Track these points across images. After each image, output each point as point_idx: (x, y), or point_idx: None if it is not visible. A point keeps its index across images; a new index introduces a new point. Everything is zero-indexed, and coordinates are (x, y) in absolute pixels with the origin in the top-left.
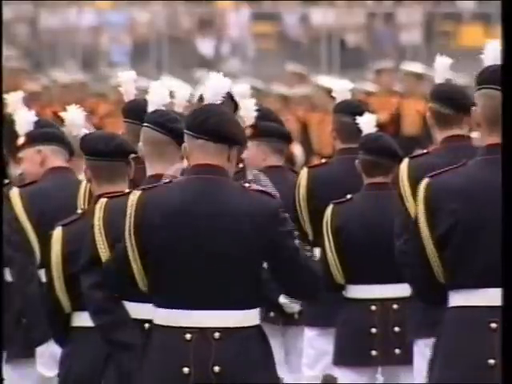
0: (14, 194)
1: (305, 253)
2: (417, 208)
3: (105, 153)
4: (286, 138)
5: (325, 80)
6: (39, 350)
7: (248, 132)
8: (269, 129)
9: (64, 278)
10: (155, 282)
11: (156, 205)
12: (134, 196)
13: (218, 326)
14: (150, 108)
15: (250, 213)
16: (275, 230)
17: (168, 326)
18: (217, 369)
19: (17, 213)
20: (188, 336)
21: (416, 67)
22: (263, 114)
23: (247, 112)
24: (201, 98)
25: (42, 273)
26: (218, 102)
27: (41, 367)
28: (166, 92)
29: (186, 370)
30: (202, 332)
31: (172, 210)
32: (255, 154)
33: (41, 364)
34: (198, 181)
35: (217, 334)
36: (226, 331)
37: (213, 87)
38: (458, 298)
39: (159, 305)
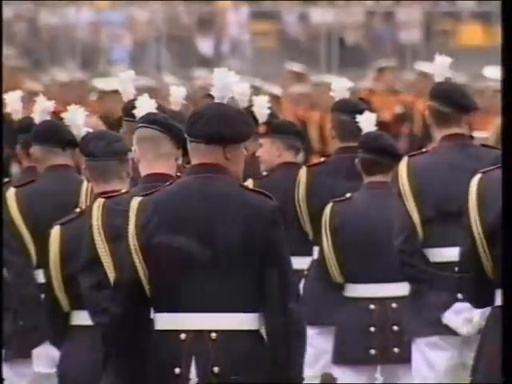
0: (10, 194)
1: (291, 271)
2: (468, 203)
3: (95, 153)
4: (301, 135)
5: (326, 78)
6: (36, 351)
7: (262, 129)
8: (283, 126)
9: (62, 276)
10: (154, 286)
11: (156, 207)
12: (135, 201)
13: (215, 328)
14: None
15: (246, 214)
16: (268, 232)
17: (166, 330)
18: (216, 369)
19: (12, 215)
20: (183, 336)
21: (428, 67)
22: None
23: (260, 109)
24: (209, 96)
25: (38, 274)
26: (227, 97)
27: (38, 368)
28: (154, 105)
29: (177, 370)
30: (199, 334)
31: (171, 212)
32: (269, 150)
33: (38, 365)
34: (197, 181)
35: (213, 335)
36: (223, 333)
37: (220, 83)
38: None
39: (157, 309)
